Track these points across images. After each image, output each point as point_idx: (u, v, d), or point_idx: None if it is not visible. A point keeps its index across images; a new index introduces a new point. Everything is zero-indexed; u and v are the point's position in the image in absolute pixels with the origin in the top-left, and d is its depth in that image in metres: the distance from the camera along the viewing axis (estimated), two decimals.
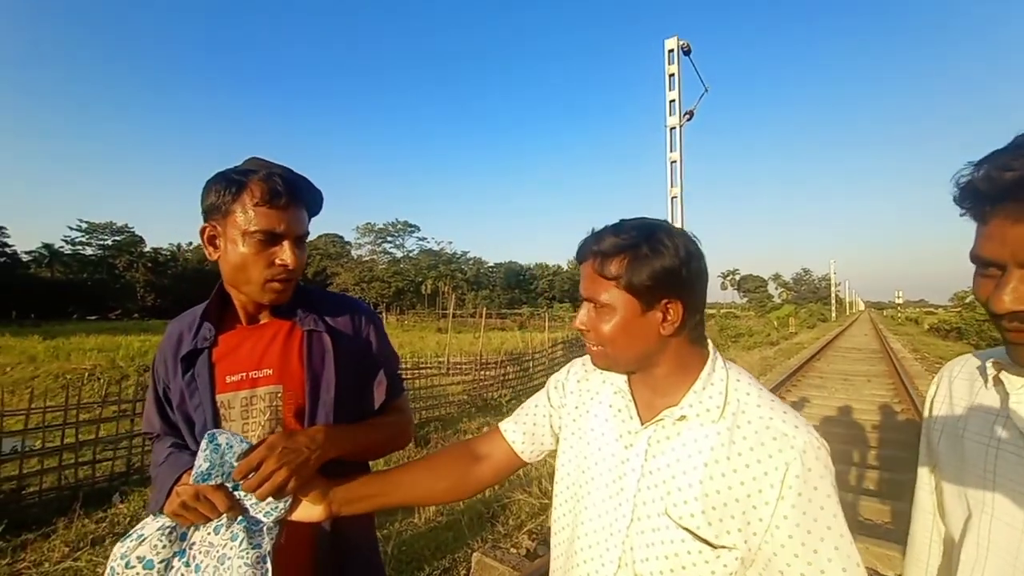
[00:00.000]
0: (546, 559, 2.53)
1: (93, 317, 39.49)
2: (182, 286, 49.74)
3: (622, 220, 0.80)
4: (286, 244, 0.96)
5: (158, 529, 0.87)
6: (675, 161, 9.62)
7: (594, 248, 0.79)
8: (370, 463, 1.19)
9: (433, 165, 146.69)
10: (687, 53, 9.16)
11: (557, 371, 1.03)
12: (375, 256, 64.85)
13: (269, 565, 0.85)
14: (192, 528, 0.88)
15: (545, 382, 1.05)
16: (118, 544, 0.88)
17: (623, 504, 0.81)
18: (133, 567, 0.85)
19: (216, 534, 0.87)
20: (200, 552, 0.87)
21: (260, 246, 0.94)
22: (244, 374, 1.00)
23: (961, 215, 0.60)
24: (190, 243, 61.41)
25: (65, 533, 3.90)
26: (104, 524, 4.12)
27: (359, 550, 1.11)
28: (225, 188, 0.94)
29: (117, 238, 49.97)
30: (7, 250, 41.33)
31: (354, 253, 65.66)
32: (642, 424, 0.82)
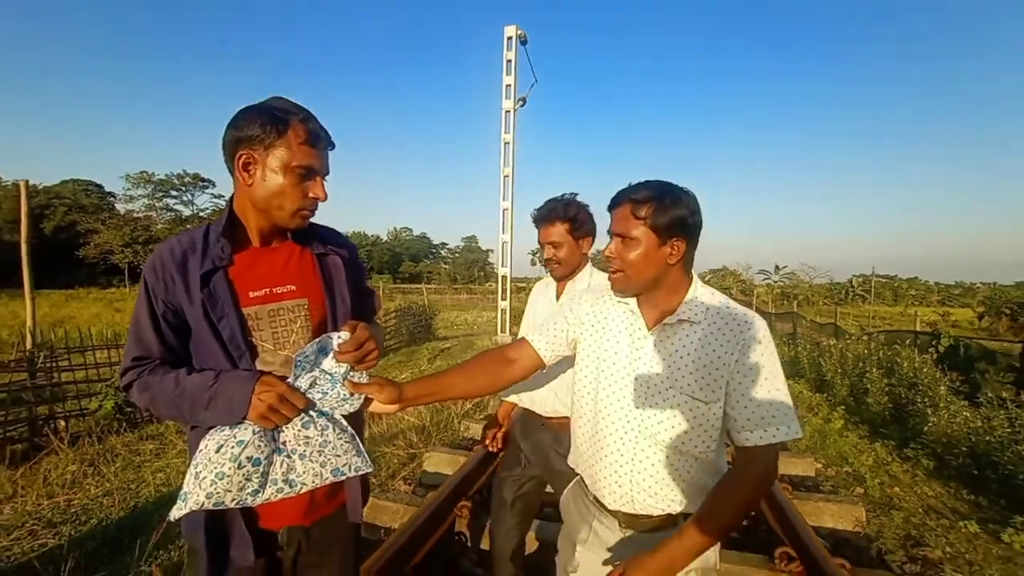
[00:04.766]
0: (432, 497, 2.92)
1: None
2: None
3: (647, 180, 1.07)
4: (319, 180, 1.08)
5: (254, 433, 0.97)
6: (508, 143, 10.40)
7: (631, 196, 1.03)
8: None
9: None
10: (524, 43, 9.86)
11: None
12: (153, 213, 51.55)
13: (359, 440, 1.08)
14: (277, 430, 1.01)
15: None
16: (216, 454, 0.94)
17: (639, 388, 1.07)
18: (244, 467, 0.94)
19: (307, 429, 1.01)
20: (300, 445, 1.00)
21: (299, 179, 1.04)
22: (268, 289, 1.09)
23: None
24: None
25: None
26: None
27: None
28: (271, 124, 1.01)
29: None
30: None
31: (121, 207, 51.25)
32: (649, 330, 1.10)
